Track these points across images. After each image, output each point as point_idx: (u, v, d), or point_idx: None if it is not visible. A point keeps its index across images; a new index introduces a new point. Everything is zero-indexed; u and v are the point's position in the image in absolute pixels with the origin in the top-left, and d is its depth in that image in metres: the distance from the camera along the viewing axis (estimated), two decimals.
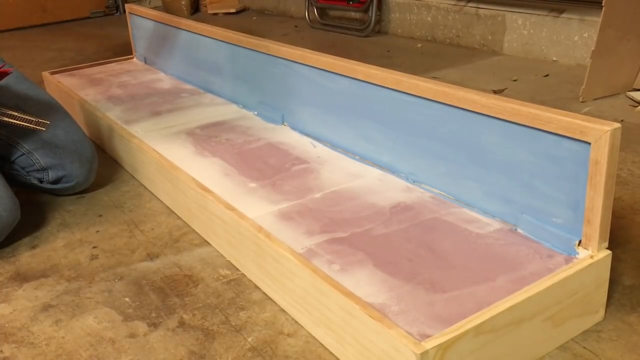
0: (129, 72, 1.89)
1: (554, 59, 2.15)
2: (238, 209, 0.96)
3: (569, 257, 0.81)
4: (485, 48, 2.37)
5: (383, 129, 1.10)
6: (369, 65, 1.10)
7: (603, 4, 1.60)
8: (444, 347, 0.65)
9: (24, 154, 1.19)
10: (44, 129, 1.11)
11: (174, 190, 1.14)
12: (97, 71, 1.91)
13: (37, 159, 1.19)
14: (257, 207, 1.01)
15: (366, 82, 1.09)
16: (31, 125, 1.09)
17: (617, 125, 0.74)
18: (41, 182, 1.22)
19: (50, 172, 1.20)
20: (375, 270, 0.82)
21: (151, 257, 1.03)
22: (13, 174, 1.21)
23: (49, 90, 1.78)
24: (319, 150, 1.23)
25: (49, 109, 1.24)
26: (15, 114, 1.08)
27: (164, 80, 1.78)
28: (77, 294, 0.94)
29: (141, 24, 1.94)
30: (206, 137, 1.33)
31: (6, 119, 1.07)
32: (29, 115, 1.09)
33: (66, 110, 1.29)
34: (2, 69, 1.08)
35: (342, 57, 1.17)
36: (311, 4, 2.97)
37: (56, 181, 1.22)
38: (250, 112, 1.46)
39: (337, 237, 0.91)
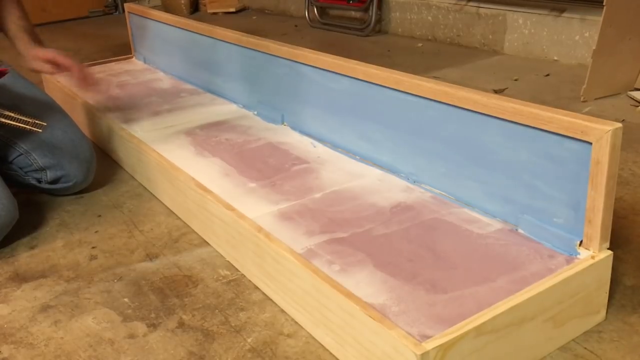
0: (129, 72, 1.88)
1: (555, 58, 2.15)
2: (238, 209, 0.96)
3: (570, 258, 0.81)
4: (485, 47, 2.36)
5: (383, 129, 1.09)
6: (369, 65, 1.09)
7: (604, 3, 1.60)
8: (445, 348, 0.64)
9: (21, 154, 1.18)
10: (40, 130, 1.11)
11: (174, 191, 1.14)
12: (96, 71, 1.91)
13: (35, 159, 1.18)
14: (257, 207, 1.00)
15: (366, 81, 1.09)
16: (27, 127, 1.09)
17: (619, 125, 0.74)
18: (39, 182, 1.22)
19: (48, 172, 1.20)
20: (376, 270, 0.82)
21: (150, 257, 1.02)
22: (11, 174, 1.21)
23: (48, 90, 1.77)
24: (319, 150, 1.22)
25: (47, 109, 1.24)
26: (12, 114, 1.07)
27: (164, 80, 1.78)
28: (76, 295, 0.93)
29: (140, 23, 1.93)
30: (206, 137, 1.33)
31: (2, 119, 1.07)
32: (26, 116, 1.08)
33: (64, 110, 1.29)
34: None
35: (342, 56, 1.17)
36: (311, 3, 2.97)
37: (54, 181, 1.21)
38: (250, 112, 1.46)
39: (337, 237, 0.91)
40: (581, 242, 0.80)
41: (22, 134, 1.17)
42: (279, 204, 1.02)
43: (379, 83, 1.06)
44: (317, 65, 1.20)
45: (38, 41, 1.29)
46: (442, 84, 0.96)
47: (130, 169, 1.35)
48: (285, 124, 1.35)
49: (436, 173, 1.01)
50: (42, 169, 1.19)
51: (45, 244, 1.09)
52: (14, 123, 1.08)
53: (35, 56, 1.24)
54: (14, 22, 1.27)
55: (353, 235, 0.91)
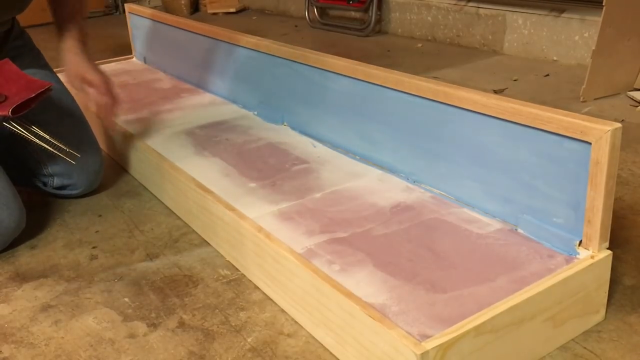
0: (129, 72, 1.88)
1: (555, 58, 2.15)
2: (238, 209, 0.96)
3: (570, 257, 0.81)
4: (485, 48, 2.36)
5: (383, 129, 1.09)
6: (369, 65, 1.10)
7: (603, 4, 1.60)
8: (445, 348, 0.64)
9: (34, 158, 1.18)
10: (74, 162, 1.11)
11: (174, 191, 1.14)
12: None
13: (46, 165, 1.18)
14: (257, 207, 1.01)
15: (366, 82, 1.09)
16: (61, 155, 1.08)
17: (618, 125, 0.74)
18: (45, 185, 1.22)
19: (55, 179, 1.20)
20: (376, 270, 0.82)
21: (151, 257, 1.03)
22: (17, 173, 1.20)
23: None
24: (319, 150, 1.23)
25: (66, 114, 1.22)
26: (49, 137, 1.06)
27: (164, 80, 1.78)
28: (77, 294, 0.94)
29: (141, 23, 1.93)
30: (206, 137, 1.33)
31: (38, 141, 1.06)
32: (61, 143, 1.07)
33: (82, 115, 1.27)
34: (40, 86, 1.04)
35: (342, 56, 1.17)
36: (311, 3, 2.97)
37: (60, 188, 1.21)
38: (250, 112, 1.46)
39: (337, 237, 0.91)
40: (581, 242, 0.81)
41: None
42: (279, 204, 1.02)
43: (379, 83, 1.06)
44: (317, 65, 1.20)
45: (85, 36, 1.23)
46: (442, 84, 0.96)
47: (130, 169, 1.35)
48: (285, 124, 1.36)
49: (436, 173, 1.01)
50: (51, 175, 1.19)
51: (45, 243, 1.09)
52: (49, 148, 1.07)
53: (82, 78, 1.18)
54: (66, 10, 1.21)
55: (353, 235, 0.91)
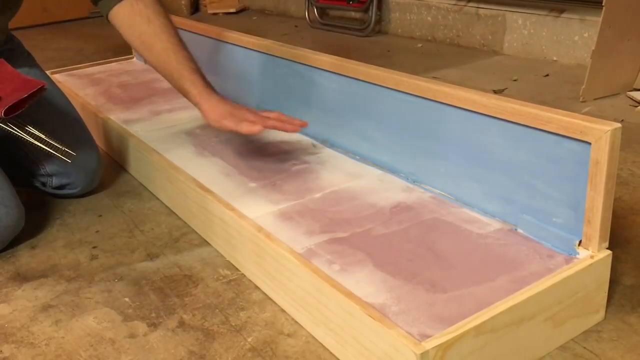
0: (129, 72, 1.89)
1: (554, 58, 2.15)
2: (238, 209, 0.96)
3: (569, 257, 0.81)
4: (485, 48, 2.37)
5: (383, 129, 1.09)
6: (369, 65, 1.10)
7: (603, 4, 1.60)
8: (444, 347, 0.65)
9: (31, 158, 1.18)
10: (69, 160, 1.10)
11: (174, 190, 1.14)
12: (96, 71, 1.91)
13: (44, 165, 1.18)
14: (257, 207, 1.01)
15: (366, 82, 1.09)
16: (57, 154, 1.08)
17: (618, 125, 0.74)
18: (44, 185, 1.22)
19: (54, 179, 1.20)
20: (375, 270, 0.82)
21: (151, 257, 1.03)
22: (16, 174, 1.20)
23: None
24: (319, 150, 1.23)
25: (60, 114, 1.23)
26: (43, 136, 1.06)
27: (164, 81, 1.77)
28: (77, 294, 0.94)
29: None
30: (206, 137, 1.33)
31: (33, 140, 1.06)
32: (57, 142, 1.07)
33: (77, 114, 1.27)
34: (35, 85, 1.03)
35: (342, 57, 1.17)
36: (311, 3, 2.97)
37: (59, 187, 1.22)
38: None
39: (337, 237, 0.91)
40: (580, 242, 0.81)
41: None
42: (279, 203, 1.02)
43: (379, 83, 1.06)
44: (317, 66, 1.20)
45: (202, 74, 1.14)
46: (442, 84, 0.96)
47: (130, 169, 1.36)
48: None
49: (436, 173, 1.01)
50: (49, 175, 1.20)
51: (46, 243, 1.09)
52: (45, 147, 1.06)
53: (225, 126, 1.05)
54: (171, 52, 1.14)
55: (353, 235, 0.91)
